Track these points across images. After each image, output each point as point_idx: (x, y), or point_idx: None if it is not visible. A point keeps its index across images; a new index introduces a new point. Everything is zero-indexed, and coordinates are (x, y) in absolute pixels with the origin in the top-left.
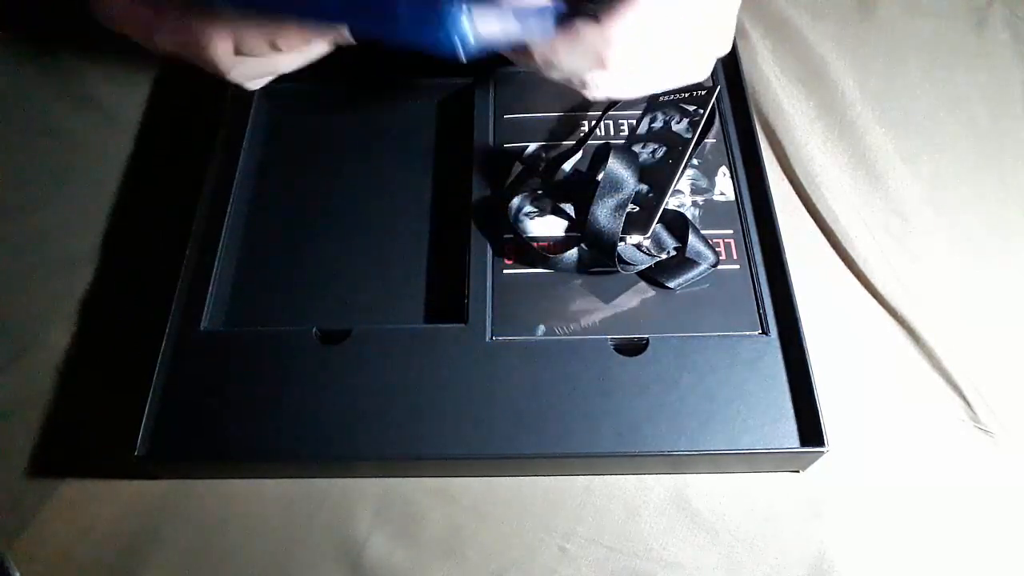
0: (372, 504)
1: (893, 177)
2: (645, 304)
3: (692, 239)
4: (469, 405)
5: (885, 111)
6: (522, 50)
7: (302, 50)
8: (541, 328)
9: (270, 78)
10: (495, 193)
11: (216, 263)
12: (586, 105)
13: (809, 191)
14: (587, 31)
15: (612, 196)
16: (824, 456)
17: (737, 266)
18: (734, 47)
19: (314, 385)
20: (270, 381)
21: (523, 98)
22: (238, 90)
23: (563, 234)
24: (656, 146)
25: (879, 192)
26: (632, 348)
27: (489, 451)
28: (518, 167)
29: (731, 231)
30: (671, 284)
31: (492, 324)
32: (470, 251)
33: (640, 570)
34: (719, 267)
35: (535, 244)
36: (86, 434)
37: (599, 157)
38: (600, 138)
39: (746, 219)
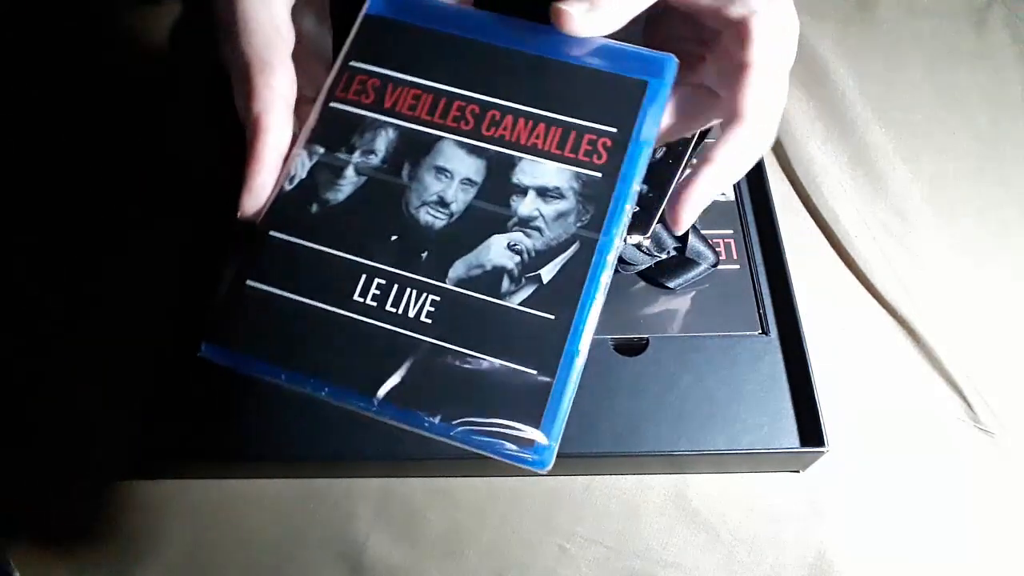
0: (372, 504)
1: (893, 177)
2: (645, 304)
3: (692, 239)
4: None
5: (885, 111)
6: None
7: None
8: None
9: None
10: None
11: (216, 263)
12: None
13: (809, 191)
14: None
15: None
16: (824, 456)
17: (737, 266)
18: None
19: None
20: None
21: None
22: None
23: None
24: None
25: (879, 192)
26: (632, 348)
27: None
28: None
29: (731, 231)
30: (671, 284)
31: None
32: None
33: (640, 570)
34: (719, 267)
35: None
36: (86, 434)
37: None
38: None
39: (746, 219)
